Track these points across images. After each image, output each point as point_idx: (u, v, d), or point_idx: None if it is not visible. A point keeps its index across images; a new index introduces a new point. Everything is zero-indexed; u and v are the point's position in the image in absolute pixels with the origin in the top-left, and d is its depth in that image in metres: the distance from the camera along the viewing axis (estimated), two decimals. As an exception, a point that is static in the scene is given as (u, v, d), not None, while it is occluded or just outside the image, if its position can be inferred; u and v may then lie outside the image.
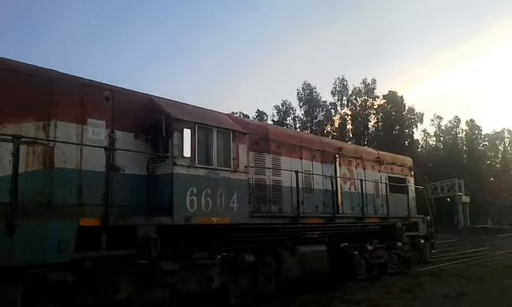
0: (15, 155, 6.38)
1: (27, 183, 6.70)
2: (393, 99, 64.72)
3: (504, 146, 79.14)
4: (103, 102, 8.31)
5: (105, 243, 7.31)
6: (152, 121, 8.85)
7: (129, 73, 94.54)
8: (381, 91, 67.04)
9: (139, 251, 7.73)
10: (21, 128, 6.88)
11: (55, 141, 7.34)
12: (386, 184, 15.74)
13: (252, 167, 10.89)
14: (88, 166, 7.74)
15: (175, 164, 8.50)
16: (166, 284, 8.34)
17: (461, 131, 75.97)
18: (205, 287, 9.07)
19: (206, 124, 9.26)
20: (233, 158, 9.66)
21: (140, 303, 7.92)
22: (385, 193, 15.43)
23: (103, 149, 7.65)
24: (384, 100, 65.62)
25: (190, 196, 8.64)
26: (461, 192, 52.21)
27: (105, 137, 8.22)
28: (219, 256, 9.59)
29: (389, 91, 65.54)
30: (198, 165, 8.90)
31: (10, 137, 6.46)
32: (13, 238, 6.10)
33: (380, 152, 17.27)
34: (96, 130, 8.10)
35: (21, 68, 7.39)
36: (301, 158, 12.80)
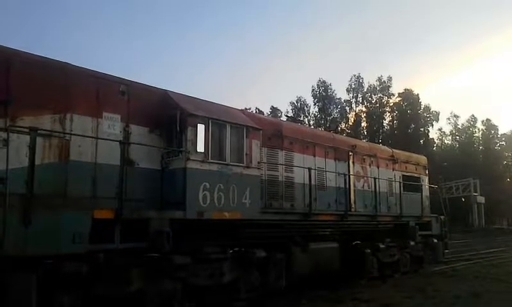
0: (32, 147, 6.50)
1: (43, 175, 6.80)
2: (409, 97, 64.09)
3: (522, 147, 77.76)
4: (118, 96, 8.39)
5: (118, 236, 7.40)
6: (167, 115, 8.91)
7: (144, 69, 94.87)
8: (396, 89, 66.50)
9: (152, 244, 7.81)
10: (38, 121, 6.99)
11: (71, 134, 7.44)
12: (400, 183, 15.64)
13: (265, 163, 10.91)
14: (102, 159, 7.83)
15: (188, 159, 8.55)
16: (178, 277, 8.42)
17: (477, 130, 74.95)
18: (216, 281, 9.13)
19: (220, 119, 9.30)
20: (246, 154, 9.69)
21: (152, 295, 8.01)
22: (399, 192, 15.33)
23: (118, 142, 7.74)
24: (400, 98, 65.02)
25: (203, 191, 8.70)
26: (476, 192, 51.60)
27: (120, 131, 8.30)
28: (231, 251, 9.64)
29: (405, 89, 64.97)
30: (211, 161, 8.95)
31: (27, 130, 6.57)
32: (29, 229, 6.21)
33: (394, 150, 17.14)
34: (112, 124, 8.18)
35: (38, 61, 7.50)
36: (314, 155, 12.78)
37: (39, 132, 6.71)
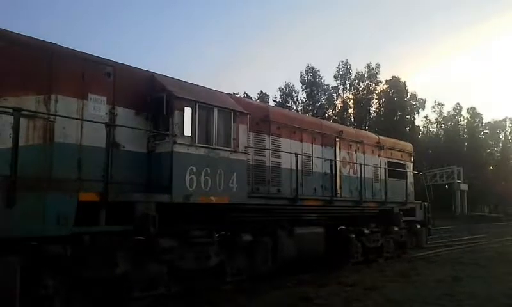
0: (15, 128, 6.35)
1: (27, 156, 6.68)
2: (395, 84, 64.46)
3: (505, 135, 79.14)
4: (104, 78, 8.25)
5: (104, 218, 7.35)
6: (153, 98, 8.82)
7: (131, 52, 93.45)
8: (384, 76, 66.78)
9: (137, 227, 7.77)
10: (22, 102, 6.83)
11: (55, 115, 7.31)
12: (385, 169, 15.79)
13: (252, 148, 10.91)
14: (88, 142, 7.72)
15: (175, 143, 8.49)
16: (164, 260, 8.43)
17: (462, 119, 75.87)
18: (202, 265, 9.17)
19: (207, 103, 9.23)
20: (234, 139, 9.67)
21: (138, 278, 8.03)
22: (384, 178, 15.49)
23: (104, 125, 7.64)
24: (387, 85, 65.34)
25: (189, 175, 8.67)
26: (459, 179, 52.46)
27: (106, 113, 8.16)
28: (217, 235, 9.67)
29: (392, 77, 65.33)
30: (198, 144, 8.91)
31: (11, 110, 6.44)
32: (13, 211, 6.13)
33: (380, 137, 17.29)
34: (97, 106, 8.04)
35: (22, 40, 7.31)
36: (301, 141, 12.82)
37: (23, 112, 6.56)
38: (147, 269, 8.18)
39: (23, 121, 6.64)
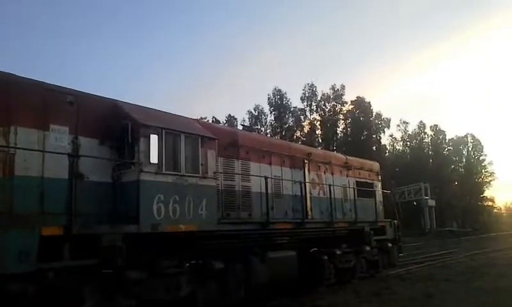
0: (-28, 162, 6.11)
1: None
2: (361, 104, 65.82)
3: (468, 151, 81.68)
4: (66, 107, 8.05)
5: (68, 253, 7.07)
6: (118, 126, 8.65)
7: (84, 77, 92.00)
8: (349, 97, 68.18)
9: (104, 260, 7.51)
10: (-21, 135, 6.59)
11: (15, 148, 7.06)
12: (354, 189, 15.93)
13: (221, 173, 10.81)
14: (50, 174, 7.47)
15: (141, 171, 8.32)
16: (133, 293, 8.14)
17: (426, 136, 78.00)
18: (172, 295, 8.91)
19: (173, 129, 9.13)
20: (202, 164, 9.55)
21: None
22: (353, 198, 15.62)
23: (66, 155, 7.42)
24: (353, 106, 66.67)
25: (157, 203, 8.48)
26: (427, 195, 53.54)
27: (69, 144, 7.95)
28: (188, 264, 9.45)
29: (357, 97, 66.70)
30: (166, 172, 8.75)
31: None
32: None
33: (348, 157, 17.46)
34: (59, 136, 7.83)
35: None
36: (270, 164, 12.82)
37: (-20, 146, 6.32)
38: (116, 304, 7.87)
39: (-20, 155, 6.37)
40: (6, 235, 6.34)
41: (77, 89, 8.47)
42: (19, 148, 7.10)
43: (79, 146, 8.10)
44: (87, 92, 8.65)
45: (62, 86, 8.23)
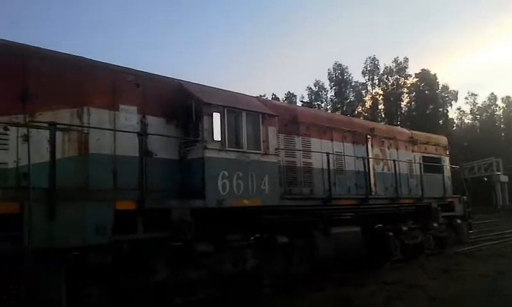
0: (52, 141, 6.57)
1: (64, 169, 6.88)
2: (426, 77, 62.98)
3: (543, 123, 75.89)
4: (134, 88, 8.41)
5: (141, 226, 7.47)
6: (182, 106, 8.91)
7: (159, 61, 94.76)
8: (413, 69, 65.40)
9: (174, 233, 7.85)
10: (56, 116, 7.05)
11: (89, 127, 7.50)
12: (420, 164, 15.46)
13: (282, 149, 10.85)
14: (121, 151, 7.88)
15: (205, 148, 8.55)
16: (202, 265, 8.48)
17: (498, 108, 73.36)
18: (239, 268, 9.17)
19: (235, 107, 9.27)
20: (263, 141, 9.65)
21: (178, 284, 8.09)
22: (419, 173, 15.17)
23: (136, 134, 7.78)
24: (417, 79, 63.94)
25: (222, 179, 8.70)
26: (498, 171, 50.56)
27: (137, 123, 8.33)
28: (252, 238, 9.66)
29: (421, 70, 63.82)
30: (229, 149, 8.94)
31: (46, 125, 6.65)
32: (54, 222, 6.31)
33: (413, 132, 16.97)
34: (128, 116, 8.21)
35: (54, 56, 7.55)
36: (331, 140, 12.69)
37: (58, 126, 6.77)
38: (186, 275, 8.24)
39: (58, 134, 6.85)
40: (84, 209, 6.78)
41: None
42: (93, 127, 7.54)
43: (146, 125, 8.46)
44: (152, 73, 8.96)
45: (129, 67, 8.58)
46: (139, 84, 8.50)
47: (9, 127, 6.60)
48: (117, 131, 7.86)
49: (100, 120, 7.73)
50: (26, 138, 6.48)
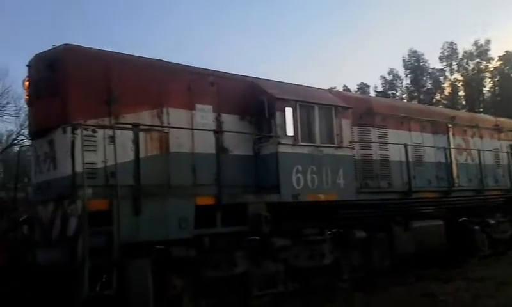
0: (135, 141, 7.04)
1: (148, 167, 7.27)
2: (511, 59, 58.43)
3: None
4: (209, 88, 8.67)
5: (220, 220, 7.71)
6: (255, 102, 9.04)
7: (229, 55, 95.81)
8: (496, 52, 60.90)
9: (251, 227, 8.03)
10: (138, 117, 7.46)
11: (169, 127, 7.87)
12: (508, 153, 14.45)
13: (357, 142, 10.63)
14: (199, 149, 8.17)
15: (279, 143, 8.62)
16: (280, 259, 8.58)
17: None
18: (317, 263, 9.15)
19: (307, 101, 9.23)
20: (337, 134, 9.52)
21: (257, 276, 8.26)
22: (507, 163, 14.18)
23: (212, 132, 8.03)
24: (501, 62, 59.47)
25: (296, 174, 8.73)
26: None
27: (213, 121, 8.58)
28: (329, 233, 9.58)
29: (506, 52, 59.21)
30: (302, 143, 8.94)
31: (130, 126, 7.08)
32: (140, 217, 6.72)
33: (499, 119, 15.98)
34: (204, 115, 8.49)
35: (134, 61, 8.00)
36: (409, 130, 12.21)
37: (140, 127, 7.18)
38: (264, 268, 8.39)
39: (141, 134, 7.27)
40: (168, 204, 7.15)
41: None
42: (173, 127, 7.89)
43: (221, 122, 8.69)
44: (225, 72, 9.19)
45: (204, 68, 8.86)
46: (213, 83, 8.75)
47: (97, 129, 7.09)
48: (195, 130, 8.16)
49: (178, 120, 8.06)
50: (112, 139, 6.92)
